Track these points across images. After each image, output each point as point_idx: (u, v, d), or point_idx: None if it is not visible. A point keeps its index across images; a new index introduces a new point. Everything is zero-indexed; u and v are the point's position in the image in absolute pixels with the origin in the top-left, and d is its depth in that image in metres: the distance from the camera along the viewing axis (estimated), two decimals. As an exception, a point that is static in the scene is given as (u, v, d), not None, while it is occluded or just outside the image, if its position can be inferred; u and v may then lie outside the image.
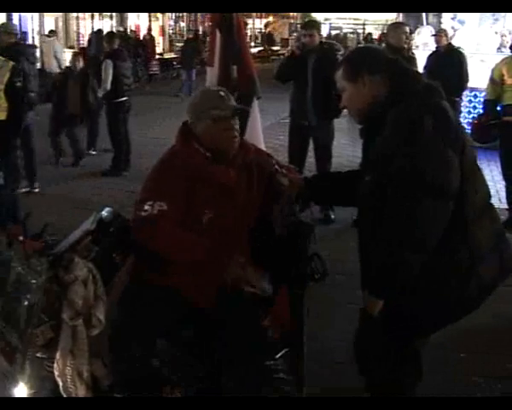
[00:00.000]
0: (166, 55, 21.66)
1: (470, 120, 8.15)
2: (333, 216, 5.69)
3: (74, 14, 21.32)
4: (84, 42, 20.65)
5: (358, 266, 2.20)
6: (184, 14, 28.99)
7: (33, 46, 9.12)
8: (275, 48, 30.48)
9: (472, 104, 8.97)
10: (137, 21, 25.42)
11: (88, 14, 22.12)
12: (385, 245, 1.97)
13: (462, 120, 8.04)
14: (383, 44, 9.09)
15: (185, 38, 19.94)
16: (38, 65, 14.69)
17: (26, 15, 18.61)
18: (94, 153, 8.48)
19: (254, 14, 34.86)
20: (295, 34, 14.28)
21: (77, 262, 2.07)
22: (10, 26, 6.60)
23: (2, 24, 6.70)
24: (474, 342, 3.51)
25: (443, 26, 10.19)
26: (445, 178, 1.93)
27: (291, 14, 36.18)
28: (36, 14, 19.06)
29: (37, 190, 6.63)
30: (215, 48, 4.79)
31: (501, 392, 3.09)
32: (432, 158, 1.93)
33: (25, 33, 17.02)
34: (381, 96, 2.12)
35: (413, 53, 6.48)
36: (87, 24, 22.45)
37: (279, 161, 2.79)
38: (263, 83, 5.02)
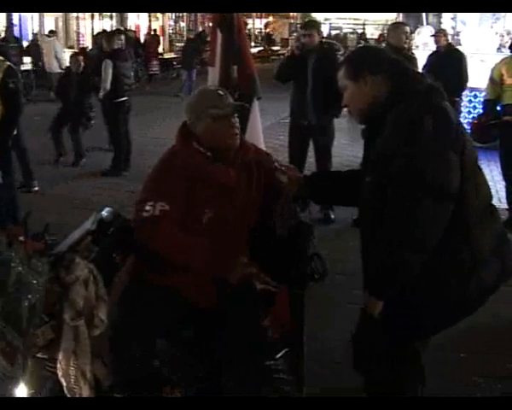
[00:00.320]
0: (166, 55, 21.66)
1: (470, 120, 8.15)
2: (333, 216, 5.69)
3: (74, 14, 21.36)
4: (85, 42, 20.68)
5: (358, 266, 2.20)
6: (184, 14, 29.02)
7: (18, 47, 9.08)
8: (275, 48, 30.50)
9: (472, 104, 8.97)
10: (137, 21, 25.45)
11: (88, 14, 22.17)
12: (385, 245, 1.97)
13: (462, 120, 8.04)
14: (383, 44, 9.08)
15: (185, 37, 19.94)
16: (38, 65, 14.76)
17: (26, 15, 18.64)
18: None
19: (254, 14, 34.88)
20: (295, 34, 14.28)
21: (78, 263, 2.07)
22: None
23: None
24: (474, 342, 3.51)
25: (443, 26, 10.19)
26: (445, 178, 1.93)
27: (291, 14, 36.20)
28: (36, 14, 19.09)
29: (36, 189, 6.62)
30: (216, 48, 4.79)
31: (501, 392, 3.09)
32: (432, 158, 1.93)
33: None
34: (382, 97, 2.12)
35: (413, 53, 6.48)
36: (87, 24, 22.49)
37: (279, 160, 2.79)
38: (263, 83, 5.02)
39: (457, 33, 10.59)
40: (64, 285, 2.03)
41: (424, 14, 12.57)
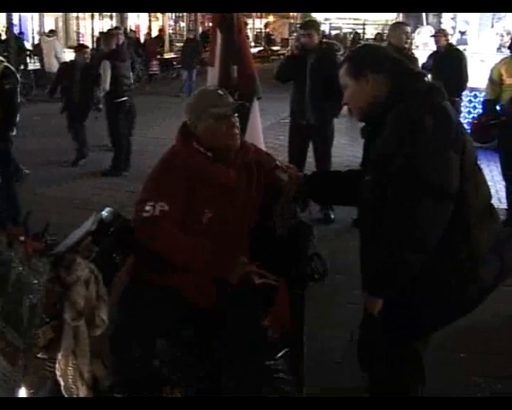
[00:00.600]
0: (166, 55, 21.66)
1: (470, 120, 8.15)
2: (333, 216, 5.68)
3: (74, 14, 21.36)
4: (85, 42, 20.67)
5: (358, 266, 2.20)
6: (184, 14, 29.01)
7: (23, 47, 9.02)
8: (275, 48, 30.50)
9: (472, 104, 8.97)
10: (137, 21, 25.45)
11: (88, 14, 22.16)
12: (385, 245, 1.97)
13: (462, 120, 8.04)
14: (383, 44, 9.08)
15: (185, 38, 19.93)
16: (39, 65, 14.77)
17: (26, 15, 18.64)
18: None
19: (254, 14, 34.87)
20: (295, 34, 14.28)
21: (79, 263, 2.07)
22: None
23: None
24: (474, 342, 3.51)
25: (443, 26, 10.18)
26: (445, 178, 1.94)
27: (291, 14, 36.20)
28: (36, 14, 19.10)
29: (27, 172, 6.72)
30: (216, 48, 4.79)
31: (501, 392, 3.09)
32: (432, 158, 1.93)
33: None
34: (382, 96, 2.12)
35: (413, 53, 6.48)
36: (87, 24, 22.50)
37: (279, 160, 2.80)
38: (263, 83, 5.01)
39: (463, 33, 10.55)
40: (65, 285, 2.03)
41: (424, 14, 12.55)
